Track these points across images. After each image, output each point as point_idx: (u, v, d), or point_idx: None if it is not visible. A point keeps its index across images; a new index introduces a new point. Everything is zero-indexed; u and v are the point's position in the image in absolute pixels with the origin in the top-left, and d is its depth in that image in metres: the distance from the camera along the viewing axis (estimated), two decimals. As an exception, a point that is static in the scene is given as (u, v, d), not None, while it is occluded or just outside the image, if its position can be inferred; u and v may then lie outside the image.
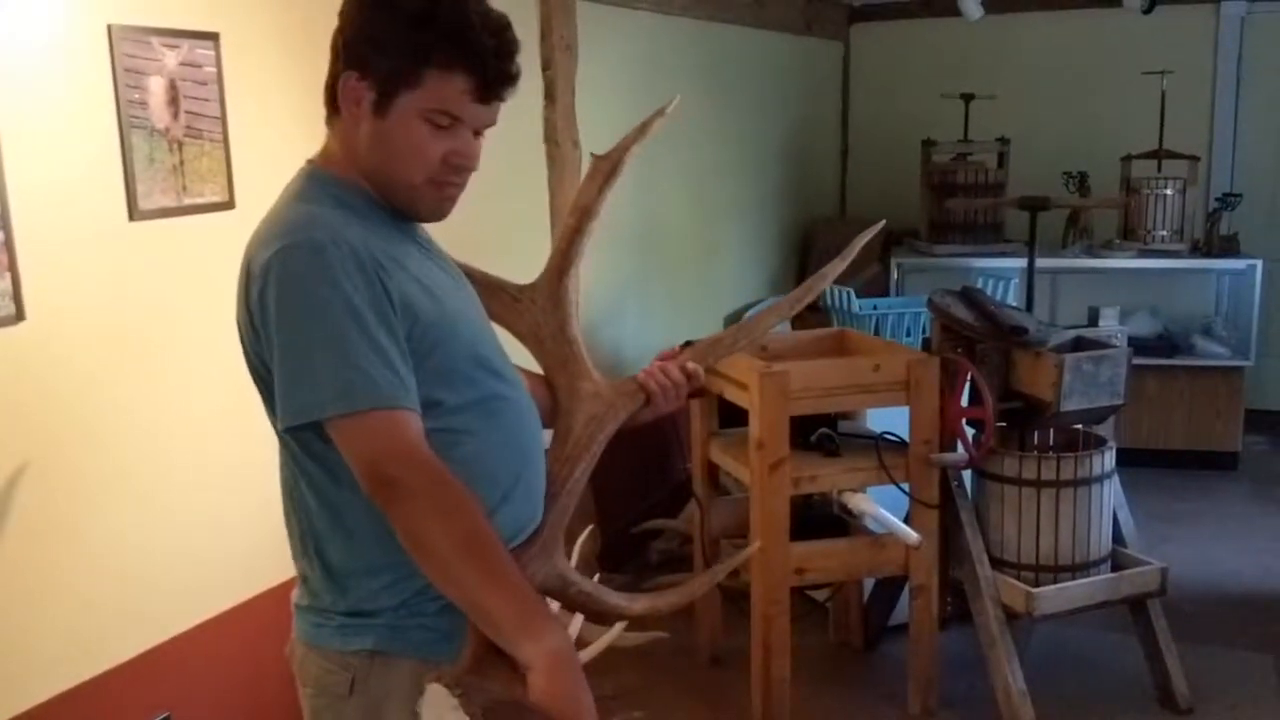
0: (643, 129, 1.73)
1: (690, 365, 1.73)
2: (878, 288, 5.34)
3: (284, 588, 2.77)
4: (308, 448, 1.47)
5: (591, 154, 1.75)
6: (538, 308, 1.73)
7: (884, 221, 2.05)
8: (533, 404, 1.63)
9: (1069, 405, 3.09)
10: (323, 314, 1.37)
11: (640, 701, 3.39)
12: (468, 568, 1.37)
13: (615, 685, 3.42)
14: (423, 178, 1.49)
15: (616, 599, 1.59)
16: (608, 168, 1.71)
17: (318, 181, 1.52)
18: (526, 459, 1.58)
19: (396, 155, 1.48)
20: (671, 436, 4.46)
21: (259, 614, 2.72)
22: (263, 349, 1.43)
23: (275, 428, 1.51)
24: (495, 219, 3.35)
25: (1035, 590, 3.10)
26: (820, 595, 3.81)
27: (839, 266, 1.83)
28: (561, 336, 1.72)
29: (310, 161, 1.56)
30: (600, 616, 1.63)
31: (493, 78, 1.47)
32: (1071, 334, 3.31)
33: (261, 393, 1.51)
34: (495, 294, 1.71)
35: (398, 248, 1.49)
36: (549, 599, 1.56)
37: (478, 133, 1.51)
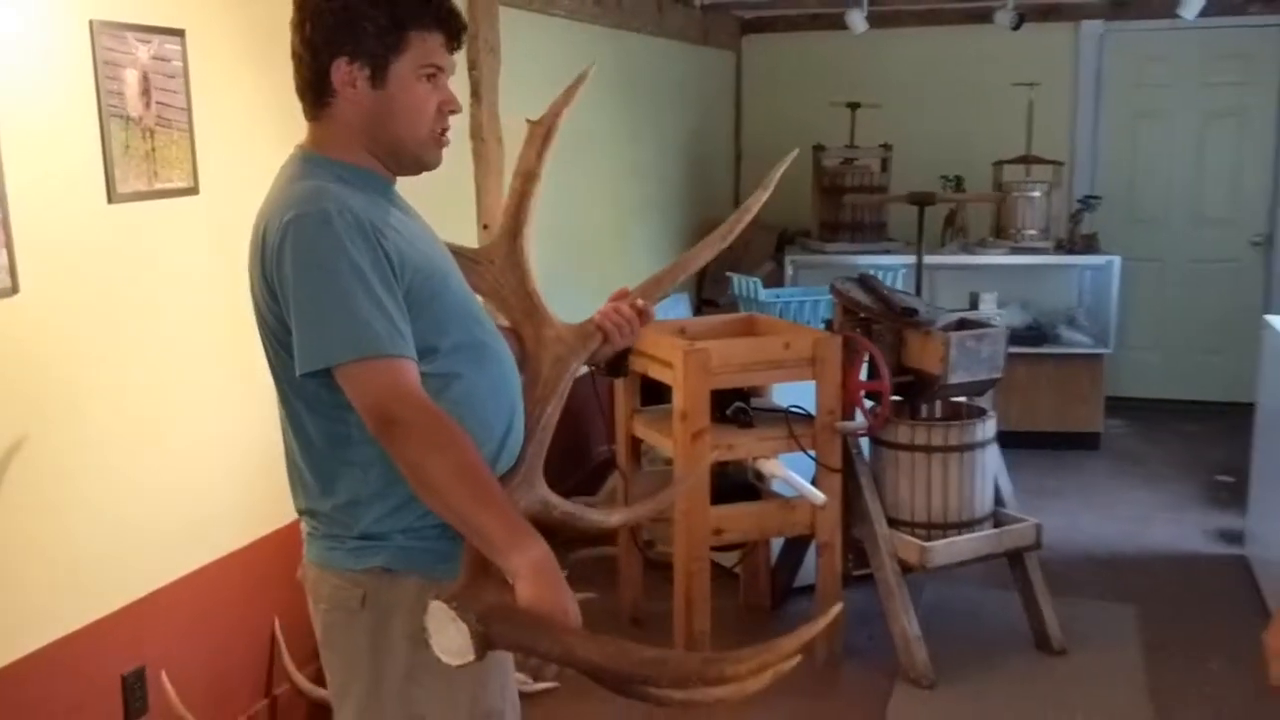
0: (568, 94, 1.95)
1: (639, 302, 1.96)
2: (774, 282, 5.69)
3: (249, 549, 2.97)
4: (318, 395, 1.67)
5: (527, 120, 1.97)
6: (497, 268, 1.95)
7: (797, 150, 2.22)
8: (510, 352, 1.87)
9: (954, 378, 3.45)
10: (332, 276, 1.57)
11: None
12: (460, 493, 1.57)
13: (545, 647, 3.65)
14: (426, 130, 1.72)
15: (595, 515, 1.84)
16: (543, 132, 1.93)
17: (313, 163, 1.72)
18: (511, 399, 1.81)
19: (402, 115, 1.70)
20: (589, 423, 4.71)
21: (229, 572, 2.89)
22: (278, 308, 1.64)
23: (278, 384, 1.72)
24: (424, 211, 3.56)
25: (927, 545, 3.45)
26: (729, 562, 4.11)
27: (761, 197, 2.03)
28: (522, 291, 1.94)
29: (300, 147, 1.76)
30: (582, 532, 1.87)
31: (458, 29, 1.73)
32: (955, 316, 3.67)
33: (270, 349, 1.72)
34: (457, 258, 1.90)
35: (390, 215, 1.71)
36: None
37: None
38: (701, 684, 1.57)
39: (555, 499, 1.83)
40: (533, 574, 1.55)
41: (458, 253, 1.94)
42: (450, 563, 1.69)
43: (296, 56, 1.70)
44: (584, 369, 1.96)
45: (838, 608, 1.74)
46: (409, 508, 1.68)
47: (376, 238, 1.62)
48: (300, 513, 1.82)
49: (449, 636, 1.51)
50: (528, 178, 1.91)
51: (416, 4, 1.67)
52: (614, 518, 1.86)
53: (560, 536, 1.90)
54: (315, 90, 1.70)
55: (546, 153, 1.93)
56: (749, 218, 2.05)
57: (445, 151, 1.78)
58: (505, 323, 1.96)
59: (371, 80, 1.67)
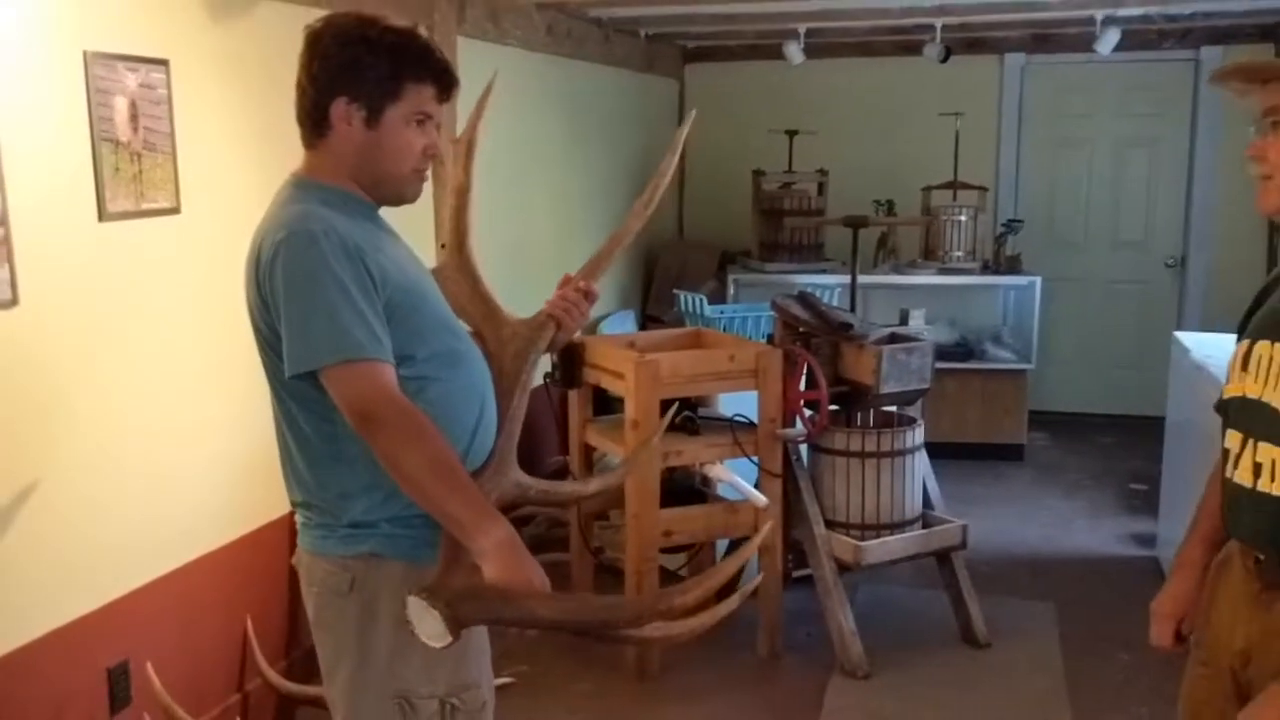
0: (479, 108, 2.11)
1: (583, 283, 2.15)
2: (716, 300, 5.93)
3: (224, 551, 3.13)
4: (308, 396, 1.85)
5: (450, 140, 2.15)
6: (451, 279, 2.13)
7: (695, 111, 2.35)
8: (482, 356, 2.06)
9: (886, 388, 3.71)
10: (318, 288, 1.76)
11: (524, 659, 3.81)
12: (433, 482, 1.77)
13: (500, 647, 3.81)
14: (409, 168, 1.91)
15: (571, 486, 2.04)
16: (465, 147, 2.09)
17: (305, 188, 1.90)
18: (483, 400, 2.00)
19: (389, 154, 1.89)
20: (543, 434, 4.91)
21: (205, 573, 3.05)
22: (271, 317, 1.82)
23: (273, 386, 1.90)
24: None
25: (861, 544, 3.69)
26: (675, 565, 4.32)
27: (671, 160, 2.20)
28: (477, 296, 2.12)
29: (295, 174, 1.95)
30: (561, 503, 2.06)
31: (448, 83, 1.93)
32: (887, 330, 3.93)
33: (264, 354, 1.89)
34: None
35: (373, 236, 1.90)
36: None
37: (438, 127, 1.95)
38: (655, 617, 1.77)
39: (529, 480, 2.02)
40: (497, 553, 1.74)
41: None
42: (432, 548, 1.87)
43: (300, 88, 1.89)
44: (539, 381, 2.15)
45: (769, 526, 1.96)
46: (395, 499, 1.86)
47: (359, 255, 1.81)
48: (294, 504, 1.99)
49: (428, 624, 1.70)
50: (460, 192, 2.08)
51: (415, 58, 1.87)
52: (590, 486, 2.05)
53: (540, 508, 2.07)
54: (314, 121, 1.89)
55: (472, 166, 2.08)
56: (665, 182, 2.19)
57: None
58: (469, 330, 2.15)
59: (366, 121, 1.86)
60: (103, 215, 2.66)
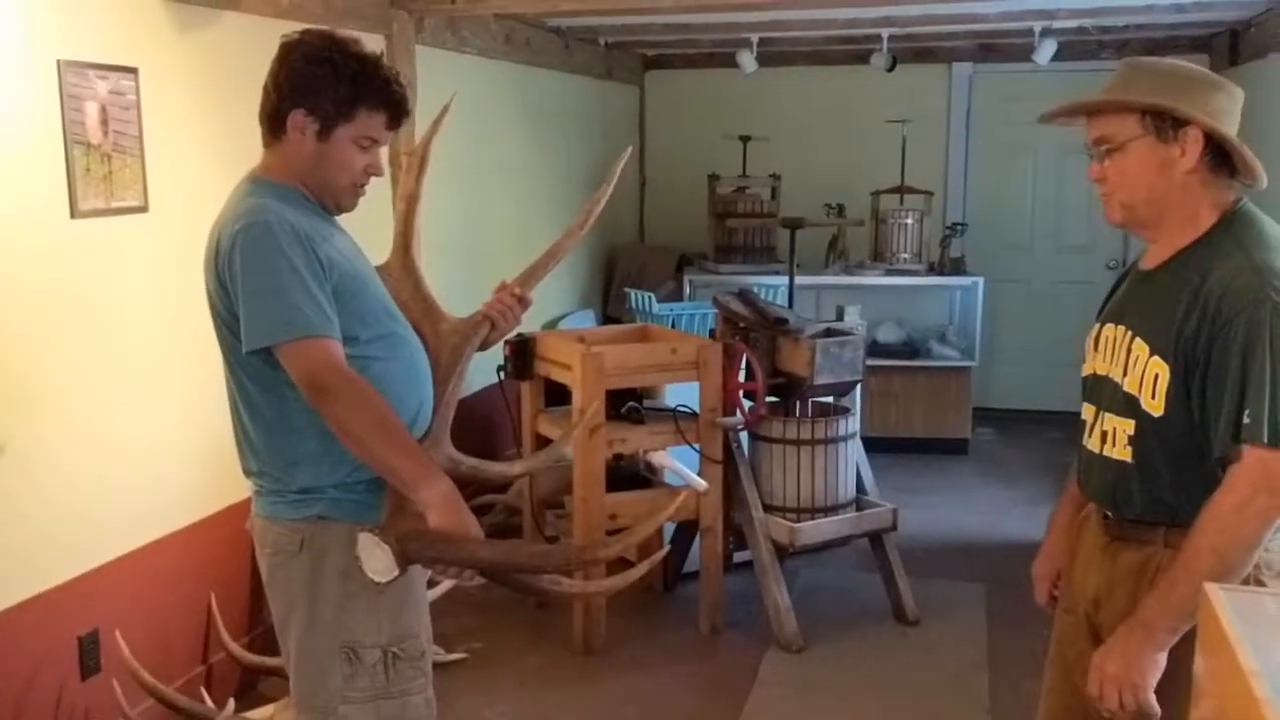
0: (435, 125, 2.30)
1: (518, 290, 2.34)
2: (675, 299, 6.16)
3: (190, 530, 3.31)
4: (261, 372, 2.04)
5: (402, 152, 2.35)
6: (394, 278, 2.32)
7: (630, 149, 2.47)
8: (419, 342, 2.26)
9: (820, 380, 3.93)
10: (273, 273, 1.96)
11: (478, 638, 4.01)
12: (380, 442, 1.97)
13: (456, 626, 4.04)
14: (349, 182, 2.12)
15: (499, 466, 2.25)
16: (418, 161, 2.29)
17: (261, 184, 2.11)
18: (421, 380, 2.19)
19: (332, 168, 2.10)
20: (497, 428, 5.10)
21: (171, 549, 3.24)
22: (229, 300, 2.02)
23: (229, 363, 2.09)
24: (350, 226, 3.95)
25: (797, 526, 3.91)
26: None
27: (606, 190, 2.34)
28: (418, 295, 2.32)
29: (252, 172, 2.15)
30: (488, 480, 2.27)
31: (401, 114, 2.13)
32: (822, 325, 4.16)
33: (222, 335, 2.08)
34: None
35: (322, 227, 2.10)
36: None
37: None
38: (581, 565, 1.98)
39: (461, 456, 2.23)
40: (440, 503, 1.96)
41: None
42: (374, 512, 2.08)
43: (266, 92, 2.09)
44: (497, 379, 2.36)
45: (691, 492, 2.18)
46: (340, 466, 2.06)
47: (309, 244, 2.01)
48: (247, 474, 2.19)
49: (376, 559, 1.91)
50: (410, 200, 2.29)
51: (374, 88, 2.07)
52: (516, 467, 2.27)
53: (470, 488, 2.30)
54: (273, 125, 2.09)
55: (423, 177, 2.28)
56: (599, 208, 2.37)
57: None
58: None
59: (318, 134, 2.07)
60: (75, 213, 2.85)
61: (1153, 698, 1.84)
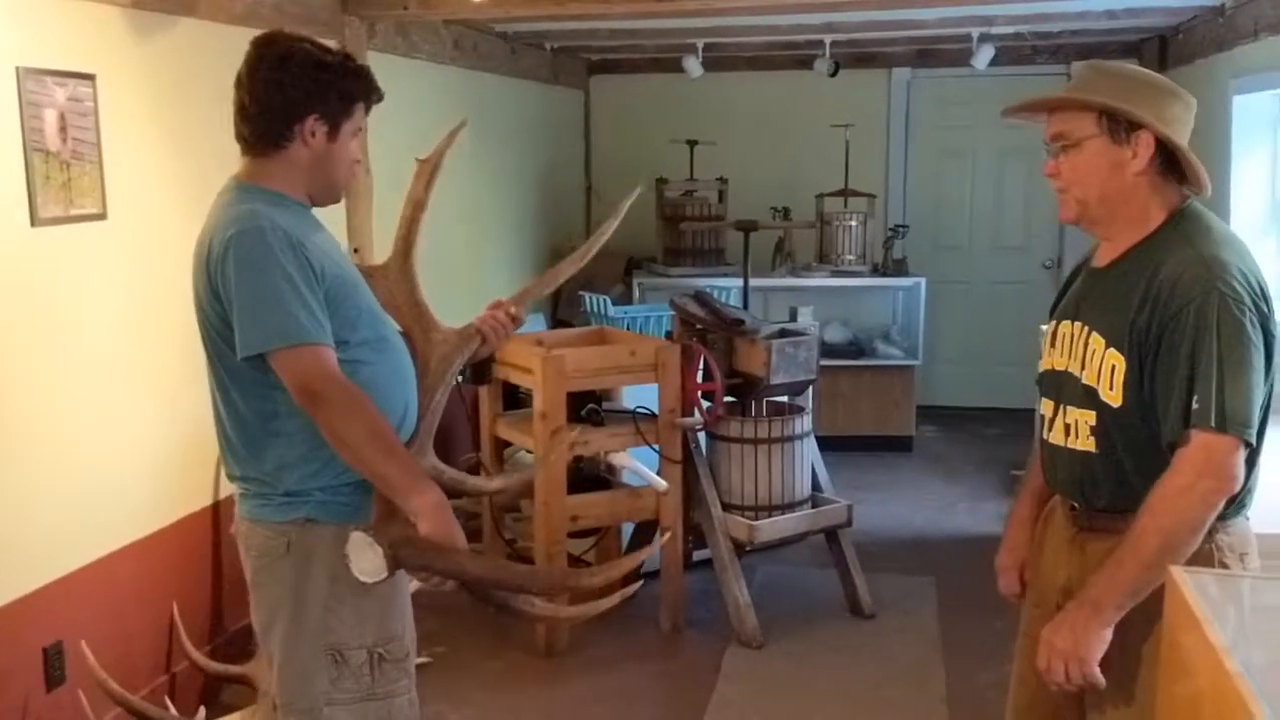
0: (450, 138, 2.35)
1: (513, 309, 2.40)
2: (623, 302, 6.20)
3: (152, 539, 3.28)
4: (249, 378, 2.06)
5: (416, 159, 2.39)
6: (391, 281, 2.36)
7: (640, 188, 2.56)
8: (406, 348, 2.29)
9: (776, 379, 4.01)
10: (267, 279, 1.98)
11: (440, 642, 4.02)
12: (372, 450, 1.99)
13: (418, 631, 4.01)
14: (349, 174, 2.20)
15: (477, 480, 2.28)
16: (429, 169, 2.33)
17: (249, 191, 2.12)
18: (408, 384, 2.23)
19: (340, 163, 2.16)
20: (455, 432, 5.11)
21: (134, 559, 3.21)
22: (221, 307, 2.03)
23: (215, 370, 2.09)
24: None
25: (755, 523, 3.98)
26: (579, 550, 4.56)
27: (612, 225, 2.43)
28: (412, 300, 2.35)
29: (236, 178, 2.16)
30: (467, 494, 2.30)
31: (378, 100, 2.22)
32: (777, 326, 4.24)
33: (211, 341, 2.08)
34: (360, 272, 2.32)
35: (312, 233, 2.13)
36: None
37: None
38: (564, 591, 2.03)
39: (443, 466, 2.26)
40: (430, 512, 1.98)
41: (361, 269, 2.35)
42: (361, 514, 2.10)
43: (260, 102, 2.09)
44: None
45: (667, 535, 2.24)
46: (327, 470, 2.08)
47: (301, 250, 2.03)
48: (231, 478, 2.20)
49: (366, 559, 1.93)
50: (417, 206, 2.32)
51: (364, 84, 2.16)
52: (493, 483, 2.31)
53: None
54: (275, 133, 2.10)
55: (433, 185, 2.33)
56: (603, 241, 2.46)
57: None
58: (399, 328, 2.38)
59: (329, 135, 2.12)
60: (35, 220, 2.82)
61: (1097, 671, 1.91)
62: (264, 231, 2.00)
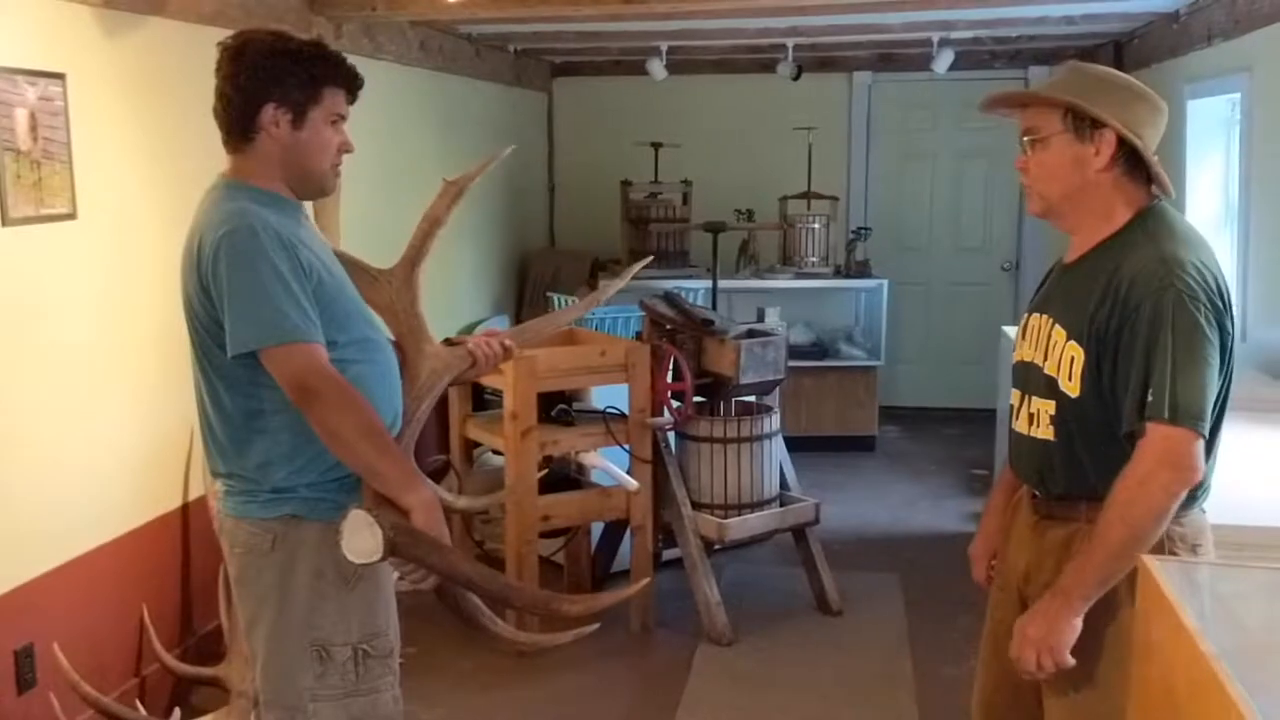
0: (484, 166, 2.42)
1: (508, 342, 2.43)
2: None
3: (121, 541, 3.27)
4: (237, 376, 2.06)
5: (444, 179, 2.42)
6: (393, 288, 2.38)
7: (650, 257, 2.69)
8: (392, 351, 2.30)
9: (745, 379, 4.05)
10: (259, 278, 1.98)
11: (410, 642, 3.99)
12: (365, 446, 2.01)
13: (389, 632, 4.03)
14: (328, 164, 2.17)
15: (446, 496, 2.29)
16: (455, 191, 2.38)
17: (236, 188, 2.12)
18: (394, 385, 2.24)
19: (313, 153, 2.13)
20: (423, 432, 5.10)
21: (103, 562, 3.19)
22: (211, 306, 2.03)
23: (202, 367, 2.09)
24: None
25: (725, 521, 4.02)
26: (549, 551, 4.57)
27: (619, 284, 2.56)
28: (412, 310, 2.38)
29: (223, 176, 2.16)
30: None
31: (358, 87, 2.20)
32: (745, 327, 4.28)
33: (199, 339, 2.08)
34: (359, 273, 2.35)
35: (300, 232, 2.13)
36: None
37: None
38: (543, 611, 2.05)
39: (421, 475, 2.26)
40: (423, 509, 2.01)
41: (362, 269, 2.36)
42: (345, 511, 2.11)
43: (225, 98, 2.09)
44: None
45: (646, 581, 2.31)
46: (312, 466, 2.09)
47: (292, 248, 2.04)
48: (215, 475, 2.20)
49: (362, 539, 1.92)
50: (434, 222, 2.36)
51: (330, 67, 2.13)
52: (460, 502, 2.33)
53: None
54: (242, 128, 2.10)
55: (455, 206, 2.36)
56: (609, 293, 2.56)
57: None
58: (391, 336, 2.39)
59: (293, 122, 2.10)
60: (5, 220, 2.80)
61: (1069, 658, 1.96)
62: (255, 230, 2.00)
